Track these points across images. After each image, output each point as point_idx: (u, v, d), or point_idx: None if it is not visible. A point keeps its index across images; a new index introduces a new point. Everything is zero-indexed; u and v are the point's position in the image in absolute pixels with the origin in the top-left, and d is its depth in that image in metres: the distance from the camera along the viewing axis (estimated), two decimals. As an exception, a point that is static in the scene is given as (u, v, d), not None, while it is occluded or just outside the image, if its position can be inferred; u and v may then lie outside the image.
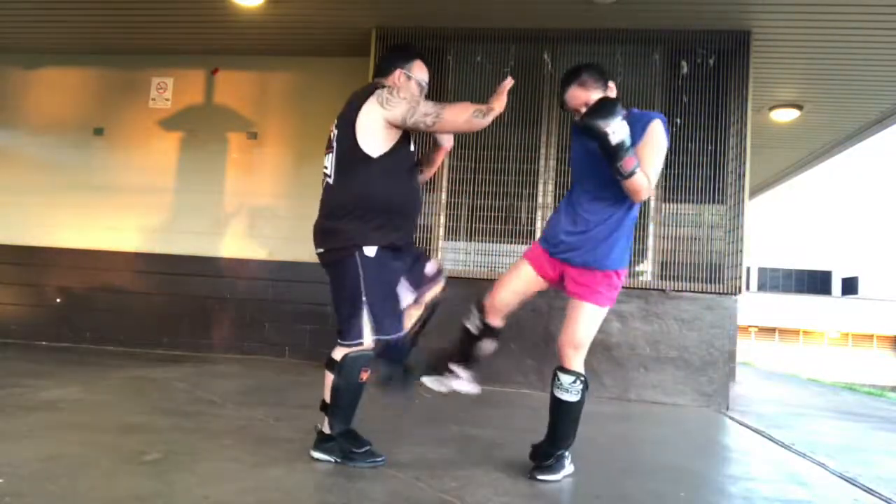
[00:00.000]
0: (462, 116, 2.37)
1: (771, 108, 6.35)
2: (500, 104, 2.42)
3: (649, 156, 2.27)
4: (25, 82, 6.53)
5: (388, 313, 2.39)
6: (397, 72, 2.59)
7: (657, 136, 2.30)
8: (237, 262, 5.97)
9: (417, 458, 2.57)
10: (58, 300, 6.17)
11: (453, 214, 5.20)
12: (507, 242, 5.13)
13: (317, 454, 2.45)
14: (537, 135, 5.17)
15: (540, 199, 5.12)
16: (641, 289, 4.92)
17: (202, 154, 6.13)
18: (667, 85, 5.07)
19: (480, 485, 2.28)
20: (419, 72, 2.62)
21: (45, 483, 1.96)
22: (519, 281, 2.52)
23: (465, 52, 5.32)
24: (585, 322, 2.40)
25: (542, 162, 5.13)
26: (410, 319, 2.59)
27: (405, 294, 2.51)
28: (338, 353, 2.40)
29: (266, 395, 3.97)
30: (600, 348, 4.91)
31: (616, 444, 3.36)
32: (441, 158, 2.78)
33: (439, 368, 2.58)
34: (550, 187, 5.10)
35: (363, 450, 2.43)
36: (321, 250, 2.48)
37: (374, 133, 2.41)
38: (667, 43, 5.07)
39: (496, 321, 2.55)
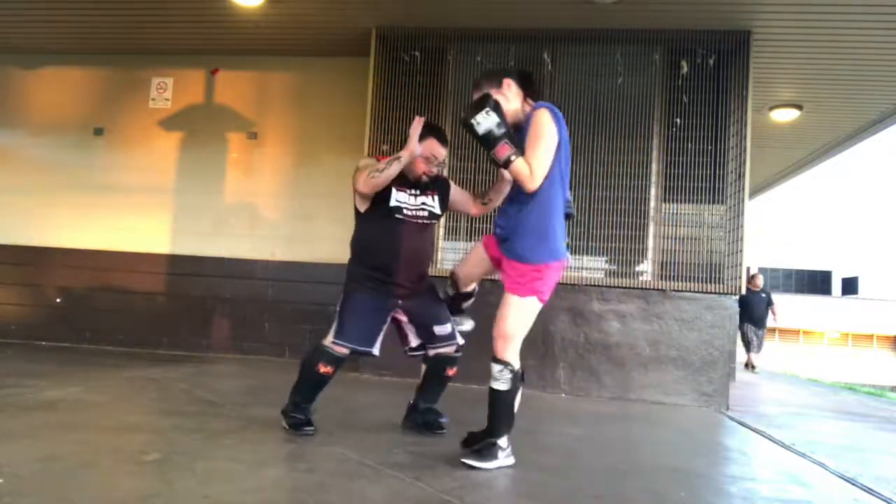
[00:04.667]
0: (360, 181, 2.85)
1: (771, 108, 6.36)
2: (407, 151, 2.82)
3: (529, 144, 2.43)
4: (25, 82, 6.54)
5: (354, 328, 2.85)
6: None
7: (535, 124, 2.44)
8: (237, 262, 5.97)
9: (417, 458, 2.57)
10: (58, 300, 6.17)
11: (453, 214, 5.19)
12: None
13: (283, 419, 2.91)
14: (537, 135, 5.16)
15: (540, 199, 5.11)
16: (641, 289, 4.92)
17: (202, 154, 6.13)
18: (667, 85, 5.07)
19: (480, 485, 2.28)
20: (427, 148, 2.92)
21: (45, 483, 1.96)
22: (476, 258, 2.81)
23: (465, 52, 5.32)
24: (508, 312, 2.51)
25: (542, 162, 5.12)
26: (422, 374, 3.15)
27: (412, 338, 3.04)
28: (318, 344, 2.91)
29: (266, 395, 3.96)
30: (600, 348, 4.92)
31: (616, 444, 3.36)
32: (503, 190, 3.01)
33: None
34: (550, 187, 5.09)
35: (298, 418, 2.85)
36: None
37: (355, 192, 2.96)
38: (667, 43, 5.07)
39: (467, 288, 2.93)
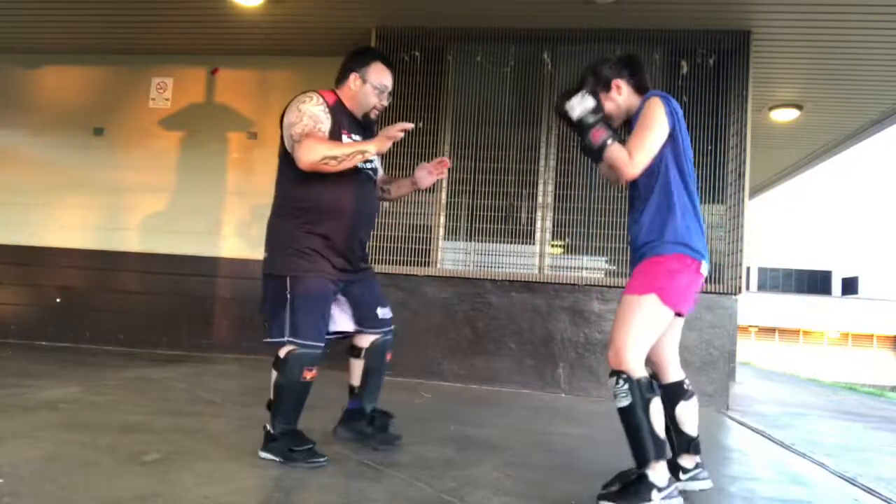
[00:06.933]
0: (309, 157, 2.31)
1: (771, 108, 6.36)
2: (375, 146, 2.39)
3: (635, 129, 2.20)
4: (25, 82, 6.53)
5: (311, 322, 2.38)
6: (352, 76, 2.58)
7: (644, 111, 2.21)
8: (237, 262, 5.96)
9: (417, 458, 2.57)
10: (58, 300, 6.17)
11: (453, 214, 5.19)
12: (507, 242, 5.12)
13: (263, 454, 2.40)
14: (537, 135, 5.16)
15: (540, 199, 5.12)
16: (641, 289, 4.91)
17: (202, 154, 6.13)
18: (667, 85, 5.06)
19: (480, 485, 2.28)
20: (376, 75, 2.56)
21: (45, 483, 1.96)
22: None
23: (465, 52, 5.32)
24: (621, 314, 2.17)
25: (542, 162, 5.13)
26: (353, 372, 2.67)
27: (343, 320, 2.59)
28: (283, 352, 2.39)
29: (266, 395, 3.95)
30: (600, 348, 4.92)
31: (616, 444, 3.35)
32: (405, 191, 2.81)
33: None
34: (550, 187, 5.10)
35: (303, 448, 2.35)
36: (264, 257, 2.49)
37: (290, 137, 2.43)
38: (667, 43, 5.07)
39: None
